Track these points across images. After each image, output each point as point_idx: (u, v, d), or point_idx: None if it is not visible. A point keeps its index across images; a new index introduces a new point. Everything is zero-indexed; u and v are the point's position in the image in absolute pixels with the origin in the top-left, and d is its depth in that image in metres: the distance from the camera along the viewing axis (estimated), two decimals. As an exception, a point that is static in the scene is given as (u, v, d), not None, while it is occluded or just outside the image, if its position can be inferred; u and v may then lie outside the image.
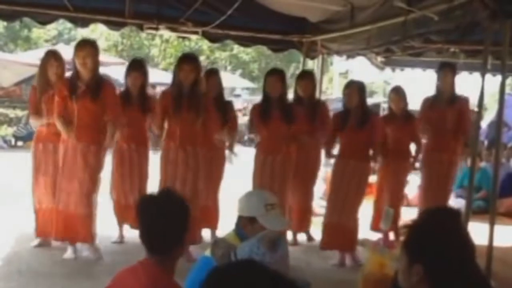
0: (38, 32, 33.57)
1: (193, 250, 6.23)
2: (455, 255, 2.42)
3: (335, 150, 7.64)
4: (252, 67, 36.10)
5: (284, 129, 7.31)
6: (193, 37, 9.83)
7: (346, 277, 6.68)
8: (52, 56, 7.12)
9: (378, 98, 28.34)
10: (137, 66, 7.61)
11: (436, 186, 7.58)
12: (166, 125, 7.07)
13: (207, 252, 3.38)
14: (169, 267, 2.96)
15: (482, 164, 10.89)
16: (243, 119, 14.53)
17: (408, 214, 7.71)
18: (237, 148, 7.86)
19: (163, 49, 31.67)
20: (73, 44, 7.50)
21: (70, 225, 6.71)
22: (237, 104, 18.77)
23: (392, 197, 7.90)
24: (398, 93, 8.03)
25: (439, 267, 2.39)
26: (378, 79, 32.39)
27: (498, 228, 5.90)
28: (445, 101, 7.51)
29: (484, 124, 14.21)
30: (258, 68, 34.58)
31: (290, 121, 7.30)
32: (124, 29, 10.90)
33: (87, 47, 6.75)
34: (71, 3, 8.09)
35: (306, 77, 8.07)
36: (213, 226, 7.69)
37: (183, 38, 13.96)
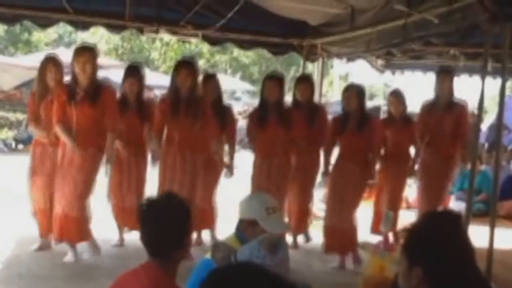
0: (39, 35, 33.62)
1: (193, 252, 6.23)
2: (455, 258, 2.42)
3: (334, 153, 7.65)
4: (252, 70, 36.16)
5: (281, 134, 7.33)
6: (193, 40, 9.82)
7: (347, 280, 6.68)
8: (51, 61, 7.11)
9: (378, 101, 28.37)
10: (134, 72, 7.58)
11: (433, 190, 7.57)
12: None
13: (208, 255, 3.38)
14: (170, 270, 2.96)
15: (483, 167, 10.88)
16: (243, 122, 14.53)
17: (409, 217, 7.71)
18: (238, 150, 7.81)
19: (163, 52, 31.69)
20: (74, 47, 7.48)
21: (65, 227, 6.72)
22: (237, 107, 18.78)
23: (391, 199, 7.92)
24: (397, 97, 8.04)
25: (438, 270, 2.39)
26: (378, 82, 32.44)
27: (498, 231, 5.89)
28: (443, 107, 7.50)
29: (484, 126, 14.21)
30: (258, 71, 34.64)
31: (287, 126, 7.32)
32: (124, 32, 10.92)
33: (87, 53, 6.76)
34: (72, 7, 8.09)
35: (305, 81, 8.06)
36: (210, 227, 7.72)
37: (183, 41, 13.92)
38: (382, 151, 7.91)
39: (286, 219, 7.51)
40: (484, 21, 5.61)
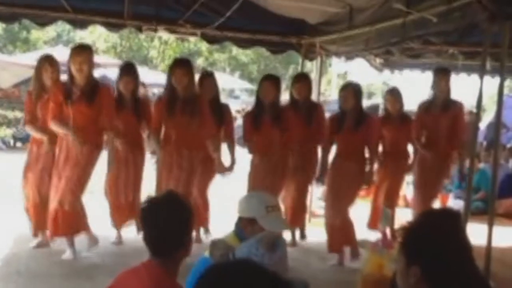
0: (37, 33, 33.61)
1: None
2: (453, 257, 2.42)
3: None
4: (251, 69, 36.16)
5: (276, 135, 7.34)
6: (192, 38, 9.82)
7: (345, 278, 6.68)
8: (47, 61, 7.11)
9: (377, 100, 28.36)
10: (128, 71, 7.60)
11: (427, 187, 7.60)
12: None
13: (206, 253, 3.39)
14: (172, 269, 2.96)
15: (481, 165, 10.91)
16: (241, 120, 14.54)
17: (407, 215, 7.73)
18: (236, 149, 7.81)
19: (162, 51, 31.70)
20: (71, 46, 7.50)
21: (59, 221, 6.72)
22: (236, 106, 18.80)
23: (388, 196, 7.93)
24: (394, 94, 8.04)
25: (436, 268, 2.39)
26: (377, 80, 32.46)
27: (496, 229, 5.90)
28: (440, 106, 7.51)
29: (482, 125, 14.24)
30: (257, 70, 34.66)
31: (282, 126, 7.33)
32: (123, 31, 10.92)
33: (84, 53, 6.77)
34: (70, 5, 8.10)
35: (302, 79, 8.05)
36: (203, 224, 7.72)
37: (182, 39, 13.91)
38: (380, 149, 7.91)
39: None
40: (483, 20, 5.62)
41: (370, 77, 26.03)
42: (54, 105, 6.72)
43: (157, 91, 17.39)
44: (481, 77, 5.93)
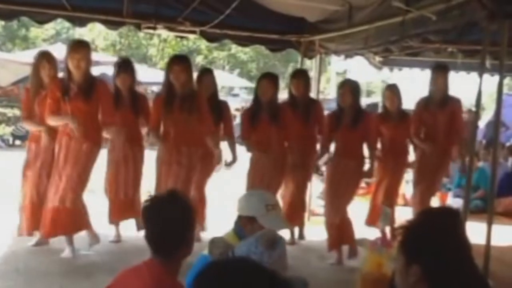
0: (36, 31, 33.60)
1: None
2: (453, 256, 2.41)
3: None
4: (250, 67, 36.15)
5: (273, 132, 7.35)
6: (191, 36, 9.82)
7: (345, 277, 6.68)
8: (44, 57, 7.11)
9: (376, 98, 28.34)
10: (125, 67, 7.59)
11: (425, 186, 7.60)
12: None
13: (206, 251, 3.39)
14: (173, 267, 2.96)
15: (480, 163, 10.90)
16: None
17: (406, 214, 7.72)
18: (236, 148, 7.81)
19: (161, 49, 31.70)
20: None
21: (56, 220, 6.69)
22: (235, 104, 18.78)
23: (388, 194, 7.91)
24: (392, 91, 7.99)
25: (437, 267, 2.38)
26: (376, 78, 32.41)
27: (496, 227, 5.90)
28: (437, 102, 7.51)
29: (482, 124, 14.24)
30: (256, 68, 34.65)
31: (279, 124, 7.33)
32: (122, 29, 10.91)
33: (83, 49, 6.75)
34: (69, 3, 8.08)
35: (299, 75, 8.05)
36: (200, 221, 7.71)
37: (181, 37, 13.94)
38: (379, 147, 7.90)
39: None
40: (482, 19, 5.61)
41: (369, 75, 26.00)
42: (51, 101, 6.71)
43: (156, 89, 17.38)
44: (480, 76, 5.93)
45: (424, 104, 7.65)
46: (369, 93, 35.92)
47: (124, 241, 7.55)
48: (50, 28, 32.85)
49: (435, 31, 6.64)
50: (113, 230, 7.59)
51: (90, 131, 6.73)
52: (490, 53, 6.35)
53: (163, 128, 7.06)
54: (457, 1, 5.78)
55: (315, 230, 7.98)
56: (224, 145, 7.79)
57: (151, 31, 8.93)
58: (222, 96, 8.68)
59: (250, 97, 8.18)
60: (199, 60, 31.76)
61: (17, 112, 19.38)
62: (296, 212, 7.89)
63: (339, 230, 7.15)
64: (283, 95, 8.97)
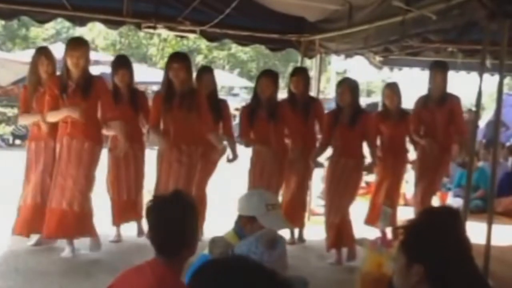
0: (36, 31, 33.60)
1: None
2: (454, 255, 2.41)
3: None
4: (250, 66, 36.16)
5: (272, 129, 7.34)
6: (191, 36, 9.80)
7: (344, 276, 6.68)
8: (43, 54, 7.09)
9: (376, 98, 28.33)
10: (123, 63, 7.59)
11: (426, 184, 7.60)
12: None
13: (206, 251, 3.38)
14: (177, 267, 2.96)
15: (480, 163, 10.90)
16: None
17: (406, 214, 7.72)
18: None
19: (161, 48, 31.68)
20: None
21: (63, 222, 6.68)
22: (235, 103, 18.75)
23: (389, 194, 7.90)
24: (392, 89, 7.97)
25: (439, 267, 2.38)
26: (376, 78, 32.40)
27: (496, 227, 5.89)
28: (436, 100, 7.50)
29: (482, 123, 14.24)
30: (256, 67, 34.64)
31: (277, 121, 7.32)
32: (122, 28, 10.90)
33: (82, 48, 6.75)
34: (69, 2, 8.08)
35: (299, 73, 8.05)
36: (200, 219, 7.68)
37: (181, 37, 13.92)
38: (378, 144, 7.89)
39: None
40: (482, 18, 5.61)
41: (369, 75, 26.02)
42: (50, 99, 6.70)
43: (156, 88, 17.37)
44: (481, 75, 5.92)
45: (423, 102, 7.65)
46: (369, 93, 35.92)
47: (125, 241, 7.55)
48: (50, 27, 32.85)
49: (435, 30, 6.63)
50: (113, 230, 7.59)
51: (90, 129, 6.72)
52: (490, 52, 6.34)
53: (163, 126, 7.04)
54: (457, 0, 5.78)
55: (315, 230, 7.97)
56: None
57: (151, 30, 8.92)
58: (222, 95, 8.65)
59: (250, 97, 8.17)
60: (199, 59, 31.75)
61: (17, 111, 19.35)
62: (296, 213, 7.87)
63: (339, 230, 7.14)
64: (282, 94, 8.97)
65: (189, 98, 6.84)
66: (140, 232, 7.58)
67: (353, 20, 7.79)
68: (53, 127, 6.85)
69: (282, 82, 8.55)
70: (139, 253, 6.76)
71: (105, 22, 8.74)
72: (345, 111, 7.24)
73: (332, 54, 10.16)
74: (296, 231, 8.06)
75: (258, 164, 7.43)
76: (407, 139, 7.98)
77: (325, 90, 28.06)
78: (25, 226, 7.02)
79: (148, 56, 33.35)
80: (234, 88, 33.05)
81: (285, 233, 7.04)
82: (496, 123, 6.51)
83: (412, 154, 8.21)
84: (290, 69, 29.06)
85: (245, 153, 7.67)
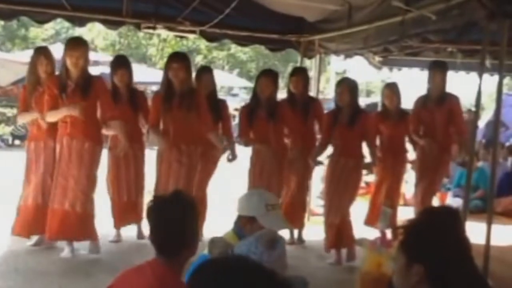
0: (36, 31, 33.58)
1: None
2: (455, 255, 2.41)
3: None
4: (249, 67, 36.15)
5: (271, 129, 7.34)
6: (191, 36, 9.81)
7: (344, 276, 6.69)
8: (42, 53, 7.09)
9: (375, 98, 28.33)
10: (122, 63, 7.60)
11: (426, 184, 7.59)
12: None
13: (205, 251, 3.38)
14: (177, 268, 2.96)
15: (480, 163, 10.90)
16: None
17: (406, 214, 7.71)
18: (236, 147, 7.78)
19: (160, 49, 31.66)
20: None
21: (66, 223, 6.67)
22: (235, 104, 18.75)
23: (389, 195, 7.88)
24: (392, 89, 7.96)
25: (439, 267, 2.38)
26: (376, 78, 32.39)
27: (495, 227, 5.90)
28: (435, 100, 7.50)
29: (481, 123, 14.24)
30: (255, 68, 34.62)
31: (276, 120, 7.32)
32: (121, 28, 10.90)
33: (81, 48, 6.75)
34: (69, 2, 8.07)
35: (298, 73, 8.04)
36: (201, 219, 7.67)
37: (181, 37, 13.91)
38: (377, 144, 7.88)
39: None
40: (482, 18, 5.61)
41: (369, 75, 26.01)
42: (49, 98, 6.69)
43: (156, 89, 17.35)
44: (480, 75, 5.92)
45: (422, 102, 7.64)
46: (368, 93, 35.92)
47: (125, 241, 7.54)
48: (49, 28, 32.84)
49: (435, 30, 6.63)
50: (113, 230, 7.58)
51: (89, 129, 6.72)
52: (489, 52, 6.34)
53: (162, 126, 7.03)
54: (456, 0, 5.78)
55: (315, 230, 7.97)
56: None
57: (150, 30, 8.92)
58: (221, 96, 8.64)
59: (249, 97, 8.16)
60: (198, 59, 31.74)
61: (16, 112, 19.37)
62: (296, 213, 7.86)
63: (338, 231, 7.13)
64: (282, 94, 8.97)
65: (189, 98, 6.83)
66: (140, 235, 7.55)
67: (353, 20, 7.79)
68: (53, 127, 6.84)
69: (282, 82, 8.54)
70: (139, 253, 6.76)
71: (105, 22, 8.74)
72: (344, 111, 7.23)
73: (331, 54, 10.16)
74: (296, 231, 8.06)
75: (257, 164, 7.42)
76: (407, 139, 7.97)
77: (325, 91, 28.05)
78: (25, 226, 7.02)
79: (148, 56, 33.34)
80: (234, 88, 33.05)
81: (284, 233, 7.05)
82: (496, 123, 6.52)
83: (411, 154, 8.21)
84: (289, 69, 29.03)
85: (245, 153, 7.67)
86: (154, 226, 3.00)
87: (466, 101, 16.58)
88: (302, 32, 9.30)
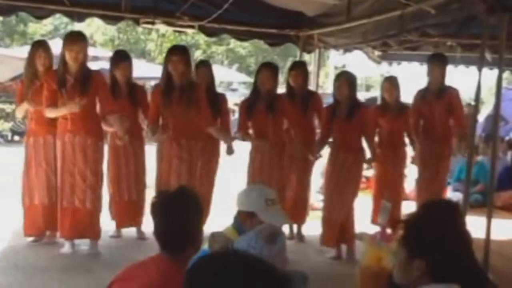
0: (34, 26, 33.58)
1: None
2: (456, 249, 2.41)
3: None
4: (248, 61, 36.16)
5: (270, 122, 7.31)
6: (190, 31, 9.79)
7: (344, 271, 6.68)
8: (40, 47, 7.07)
9: (375, 92, 28.32)
10: (125, 57, 7.61)
11: (429, 178, 7.57)
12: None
13: (205, 246, 3.38)
14: (181, 263, 2.95)
15: (479, 157, 10.89)
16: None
17: (405, 208, 7.70)
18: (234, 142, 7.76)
19: (159, 44, 31.67)
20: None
21: (77, 221, 6.68)
22: (234, 98, 18.76)
23: (391, 189, 7.83)
24: (391, 83, 7.93)
25: (440, 262, 2.37)
26: (375, 73, 32.38)
27: (495, 221, 5.90)
28: (435, 93, 7.48)
29: (481, 118, 14.23)
30: (255, 62, 34.60)
31: (275, 114, 7.30)
32: (120, 24, 10.89)
33: (81, 42, 6.73)
34: (68, -2, 8.07)
35: (298, 67, 8.03)
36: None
37: (180, 32, 13.87)
38: (376, 140, 7.86)
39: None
40: (481, 12, 5.60)
41: (368, 69, 26.00)
42: (48, 93, 6.67)
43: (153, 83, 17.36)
44: (480, 70, 5.91)
45: (421, 95, 7.63)
46: (368, 88, 35.91)
47: (124, 236, 7.54)
48: (48, 23, 32.80)
49: (434, 25, 6.63)
50: (113, 225, 7.58)
51: (90, 125, 6.71)
52: (489, 47, 6.34)
53: (162, 120, 7.00)
54: (456, -6, 5.78)
55: (315, 225, 7.96)
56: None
57: (149, 26, 8.92)
58: (220, 90, 8.62)
59: (249, 92, 8.15)
60: (197, 54, 31.73)
61: (15, 107, 19.37)
62: (298, 211, 7.87)
63: (341, 227, 7.12)
64: (281, 89, 8.95)
65: (188, 92, 6.81)
66: (140, 235, 7.50)
67: (352, 15, 7.78)
68: (52, 122, 6.83)
69: (281, 77, 8.51)
70: (139, 248, 6.77)
71: (103, 17, 8.74)
72: (343, 105, 7.20)
73: (330, 48, 10.16)
74: (295, 226, 8.05)
75: (257, 159, 7.40)
76: (405, 136, 7.94)
77: (324, 85, 28.02)
78: (36, 227, 7.03)
79: (147, 51, 33.34)
80: (233, 83, 33.04)
81: (284, 228, 7.04)
82: (495, 117, 6.51)
83: (410, 150, 8.18)
84: (288, 64, 29.02)
85: (244, 147, 7.65)
86: (158, 222, 2.99)
87: (466, 95, 16.57)
88: (301, 27, 9.29)
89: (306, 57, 10.22)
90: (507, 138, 13.20)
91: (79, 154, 6.65)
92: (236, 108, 16.06)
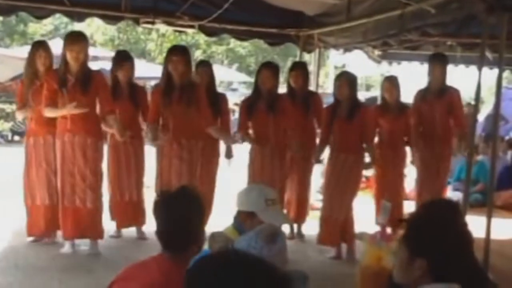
0: (35, 26, 33.57)
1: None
2: (456, 249, 2.41)
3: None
4: (248, 61, 36.15)
5: (271, 122, 7.31)
6: (190, 31, 9.79)
7: (344, 270, 6.68)
8: (40, 46, 7.08)
9: (375, 92, 28.32)
10: (127, 57, 7.62)
11: (429, 178, 7.56)
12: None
13: (206, 246, 3.38)
14: (183, 263, 2.95)
15: (479, 157, 10.90)
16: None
17: (406, 208, 7.70)
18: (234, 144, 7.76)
19: (159, 44, 31.66)
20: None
21: (78, 220, 6.68)
22: (234, 98, 18.76)
23: (391, 189, 7.82)
24: (392, 82, 7.91)
25: (441, 261, 2.37)
26: (375, 72, 32.35)
27: (495, 221, 5.90)
28: (434, 93, 7.47)
29: (481, 117, 14.23)
30: (255, 62, 34.60)
31: (276, 113, 7.29)
32: (120, 23, 10.89)
33: (82, 42, 6.72)
34: (68, -2, 8.07)
35: (298, 67, 8.03)
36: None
37: (180, 32, 13.88)
38: (376, 139, 7.85)
39: (285, 210, 7.51)
40: (481, 12, 5.61)
41: (368, 69, 25.95)
42: (48, 93, 6.66)
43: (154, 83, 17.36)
44: (480, 69, 5.91)
45: (422, 95, 7.62)
46: (368, 87, 35.88)
47: (124, 236, 7.54)
48: (48, 23, 32.79)
49: (434, 24, 6.63)
50: (113, 225, 7.57)
51: (90, 125, 6.70)
52: (489, 46, 6.34)
53: (162, 120, 7.00)
54: (456, -6, 5.78)
55: (315, 224, 7.96)
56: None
57: (149, 25, 8.92)
58: (220, 90, 8.62)
59: (249, 92, 8.15)
60: (197, 54, 31.73)
61: (15, 107, 19.37)
62: (299, 211, 7.90)
63: (334, 225, 7.11)
64: (282, 89, 8.95)
65: (189, 92, 6.80)
66: (140, 236, 7.50)
67: (352, 14, 7.78)
68: (52, 122, 6.82)
69: (281, 77, 8.50)
70: (139, 248, 6.78)
71: (103, 17, 8.74)
72: (343, 105, 7.19)
73: (330, 48, 10.16)
74: (295, 225, 8.06)
75: (257, 159, 7.40)
76: (405, 139, 7.92)
77: (324, 85, 28.02)
78: (38, 227, 7.04)
79: (147, 51, 33.33)
80: (233, 83, 33.03)
81: (284, 228, 7.04)
82: (495, 116, 6.52)
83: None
84: (289, 63, 29.00)
85: (244, 147, 7.65)
86: (160, 222, 2.99)
87: (466, 95, 16.55)
88: (301, 26, 9.28)
89: (306, 56, 10.21)
90: (507, 137, 13.22)
91: (79, 154, 6.65)
92: (236, 108, 16.05)
